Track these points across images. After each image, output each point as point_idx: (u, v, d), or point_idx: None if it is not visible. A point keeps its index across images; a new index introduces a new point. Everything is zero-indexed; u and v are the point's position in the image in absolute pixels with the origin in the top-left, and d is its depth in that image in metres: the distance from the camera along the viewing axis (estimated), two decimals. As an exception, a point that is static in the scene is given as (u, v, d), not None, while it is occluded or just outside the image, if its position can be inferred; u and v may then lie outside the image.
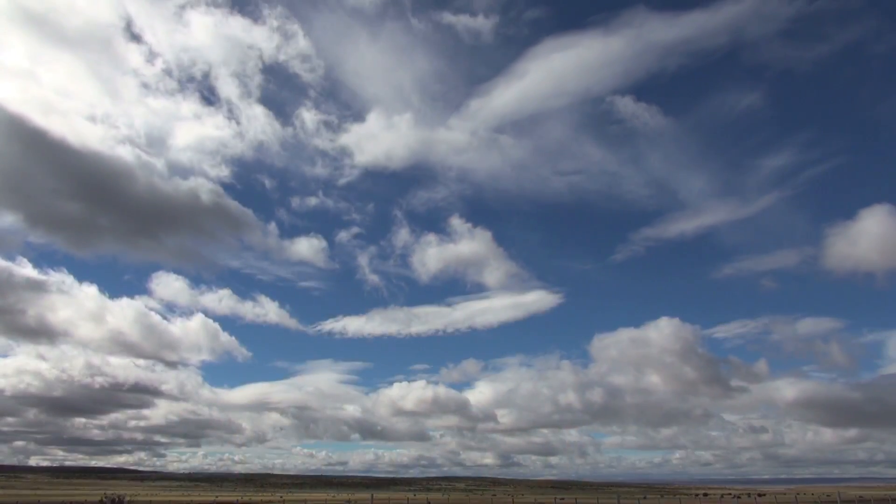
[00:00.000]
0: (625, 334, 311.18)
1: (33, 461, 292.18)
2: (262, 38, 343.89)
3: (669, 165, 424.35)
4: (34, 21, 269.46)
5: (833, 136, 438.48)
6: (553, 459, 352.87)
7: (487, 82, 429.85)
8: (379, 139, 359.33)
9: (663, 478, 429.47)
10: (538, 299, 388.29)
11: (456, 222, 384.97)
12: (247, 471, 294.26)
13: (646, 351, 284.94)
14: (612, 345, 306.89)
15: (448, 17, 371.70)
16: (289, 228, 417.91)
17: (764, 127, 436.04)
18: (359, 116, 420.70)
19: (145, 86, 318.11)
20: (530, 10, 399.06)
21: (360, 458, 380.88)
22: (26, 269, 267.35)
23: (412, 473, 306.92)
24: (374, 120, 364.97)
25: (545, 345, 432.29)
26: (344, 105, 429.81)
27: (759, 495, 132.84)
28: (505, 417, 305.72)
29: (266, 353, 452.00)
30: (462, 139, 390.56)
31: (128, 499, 78.12)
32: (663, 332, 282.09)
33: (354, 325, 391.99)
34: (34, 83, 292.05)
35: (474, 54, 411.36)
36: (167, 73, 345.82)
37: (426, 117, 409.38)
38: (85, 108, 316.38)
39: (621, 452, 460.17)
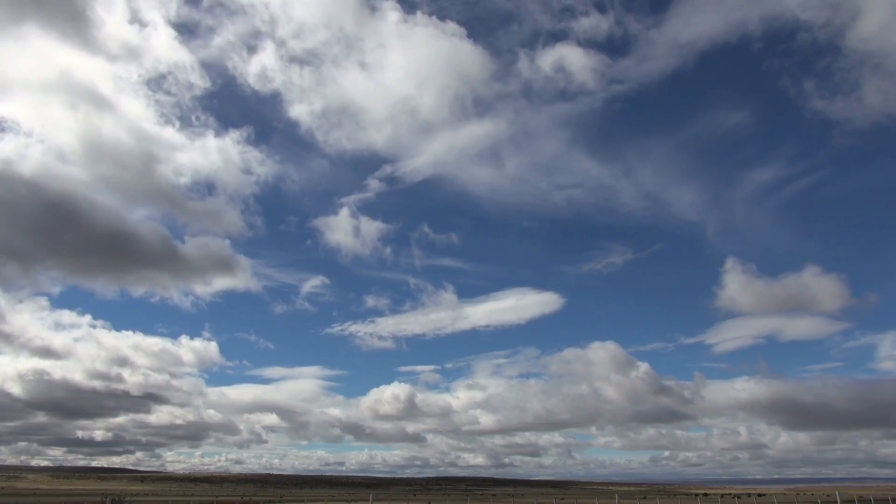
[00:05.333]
0: (609, 342, 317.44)
1: (35, 461, 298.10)
2: (262, 169, 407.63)
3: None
4: (92, 145, 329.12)
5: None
6: (547, 460, 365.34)
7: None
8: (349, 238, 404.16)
9: (657, 478, 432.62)
10: (534, 303, 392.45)
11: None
12: (246, 471, 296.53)
13: (638, 355, 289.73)
14: (596, 353, 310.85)
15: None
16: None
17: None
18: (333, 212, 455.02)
19: (173, 186, 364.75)
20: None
21: (355, 458, 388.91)
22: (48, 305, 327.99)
23: (408, 473, 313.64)
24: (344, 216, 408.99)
25: (541, 348, 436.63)
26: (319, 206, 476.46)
27: (759, 495, 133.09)
28: (500, 420, 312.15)
29: (263, 356, 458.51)
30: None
31: (128, 499, 78.10)
32: (652, 339, 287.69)
33: (352, 330, 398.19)
34: (85, 186, 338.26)
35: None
36: (192, 182, 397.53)
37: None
38: (125, 200, 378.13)
39: (611, 454, 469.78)
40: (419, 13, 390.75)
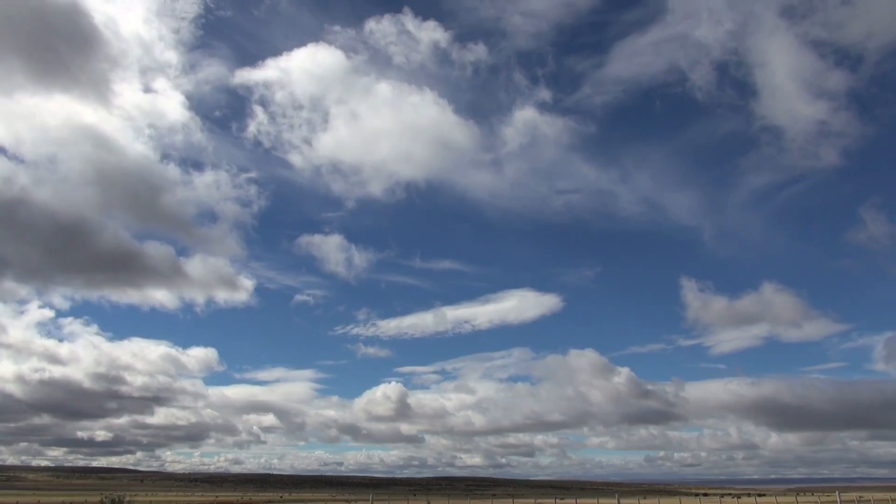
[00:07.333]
0: (608, 343, 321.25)
1: (35, 462, 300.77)
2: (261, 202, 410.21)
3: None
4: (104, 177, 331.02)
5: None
6: (544, 461, 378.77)
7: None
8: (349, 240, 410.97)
9: (655, 478, 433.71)
10: (534, 305, 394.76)
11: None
12: (245, 471, 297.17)
13: (636, 356, 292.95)
14: (595, 354, 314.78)
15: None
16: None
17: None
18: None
19: (179, 214, 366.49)
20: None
21: (353, 458, 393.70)
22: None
23: (406, 473, 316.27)
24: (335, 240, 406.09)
25: (538, 350, 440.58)
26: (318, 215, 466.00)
27: (759, 495, 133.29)
28: (496, 421, 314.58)
29: (263, 360, 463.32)
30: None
31: (128, 499, 78.36)
32: (650, 341, 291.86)
33: (353, 333, 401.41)
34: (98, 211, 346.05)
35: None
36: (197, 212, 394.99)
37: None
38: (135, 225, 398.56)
39: (608, 454, 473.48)
40: (394, 80, 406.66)
